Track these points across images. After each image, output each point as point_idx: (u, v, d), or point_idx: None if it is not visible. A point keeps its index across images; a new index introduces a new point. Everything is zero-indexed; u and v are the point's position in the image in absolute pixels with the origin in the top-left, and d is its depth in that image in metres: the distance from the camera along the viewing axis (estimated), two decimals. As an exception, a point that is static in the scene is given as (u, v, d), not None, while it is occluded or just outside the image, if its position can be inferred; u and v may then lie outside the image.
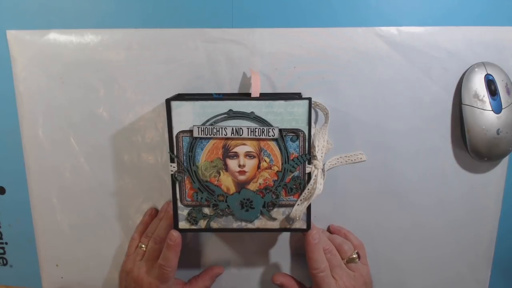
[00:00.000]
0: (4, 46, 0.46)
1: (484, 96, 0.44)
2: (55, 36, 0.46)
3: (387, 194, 0.48)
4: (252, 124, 0.40)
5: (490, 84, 0.43)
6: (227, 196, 0.42)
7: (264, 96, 0.41)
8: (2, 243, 0.52)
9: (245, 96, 0.45)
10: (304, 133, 0.40)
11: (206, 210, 0.42)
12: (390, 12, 0.44)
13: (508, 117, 0.44)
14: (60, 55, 0.46)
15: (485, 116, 0.43)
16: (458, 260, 0.50)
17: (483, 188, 0.48)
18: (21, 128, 0.48)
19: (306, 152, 0.41)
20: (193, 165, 0.41)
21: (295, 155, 0.41)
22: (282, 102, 0.40)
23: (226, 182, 0.42)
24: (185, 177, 0.42)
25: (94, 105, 0.47)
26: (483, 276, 0.51)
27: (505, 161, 0.47)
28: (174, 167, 0.41)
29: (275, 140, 0.41)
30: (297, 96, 0.43)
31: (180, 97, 0.44)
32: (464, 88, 0.44)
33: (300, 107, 0.40)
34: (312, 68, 0.45)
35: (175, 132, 0.41)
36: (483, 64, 0.44)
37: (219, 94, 0.46)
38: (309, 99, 0.40)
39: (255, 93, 0.42)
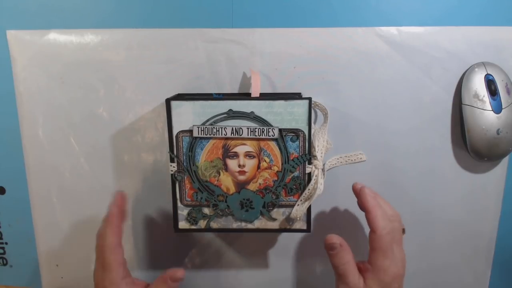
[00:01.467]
0: (4, 46, 0.46)
1: (484, 96, 0.43)
2: (55, 36, 0.46)
3: (387, 194, 0.48)
4: (252, 124, 0.40)
5: (490, 84, 0.43)
6: (227, 196, 0.42)
7: (264, 96, 0.41)
8: (2, 243, 0.52)
9: (245, 96, 0.45)
10: (304, 133, 0.40)
11: (206, 210, 0.42)
12: (390, 12, 0.44)
13: (508, 117, 0.43)
14: (60, 55, 0.46)
15: (485, 116, 0.43)
16: (458, 260, 0.50)
17: (483, 188, 0.48)
18: (21, 128, 0.48)
19: (306, 152, 0.41)
20: (193, 165, 0.41)
21: (295, 155, 0.41)
22: (282, 102, 0.40)
23: (226, 182, 0.42)
24: (185, 177, 0.42)
25: (94, 105, 0.47)
26: (483, 276, 0.51)
27: (505, 161, 0.47)
28: (174, 167, 0.41)
29: (275, 140, 0.41)
30: (297, 96, 0.42)
31: (180, 97, 0.44)
32: (464, 88, 0.44)
33: (300, 107, 0.40)
34: (312, 68, 0.45)
35: (175, 132, 0.41)
36: (483, 64, 0.44)
37: (219, 94, 0.46)
38: (309, 99, 0.40)
39: (255, 93, 0.42)
